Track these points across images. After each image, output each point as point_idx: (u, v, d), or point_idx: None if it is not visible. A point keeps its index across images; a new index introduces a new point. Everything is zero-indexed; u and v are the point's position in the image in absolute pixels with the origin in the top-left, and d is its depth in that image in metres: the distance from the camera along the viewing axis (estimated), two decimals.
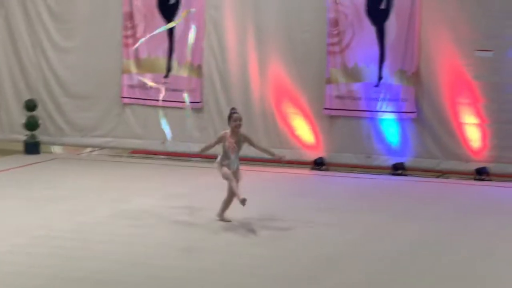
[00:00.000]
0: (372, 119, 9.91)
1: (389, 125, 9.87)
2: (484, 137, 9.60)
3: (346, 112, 9.99)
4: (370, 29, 9.75)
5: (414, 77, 9.67)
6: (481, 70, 9.48)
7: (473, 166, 9.56)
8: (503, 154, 9.52)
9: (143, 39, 8.84)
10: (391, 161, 9.79)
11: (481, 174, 9.46)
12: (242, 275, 5.55)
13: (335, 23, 9.74)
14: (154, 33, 9.00)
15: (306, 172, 9.97)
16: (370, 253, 6.22)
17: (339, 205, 8.10)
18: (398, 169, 9.59)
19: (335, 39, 9.77)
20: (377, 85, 9.80)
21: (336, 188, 9.12)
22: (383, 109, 9.82)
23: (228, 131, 7.10)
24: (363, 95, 9.83)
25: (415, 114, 9.69)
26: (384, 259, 6.05)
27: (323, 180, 9.54)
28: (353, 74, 9.85)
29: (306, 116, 10.09)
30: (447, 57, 9.59)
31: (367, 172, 9.88)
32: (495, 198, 8.84)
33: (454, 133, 9.67)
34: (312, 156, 10.11)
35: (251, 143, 7.17)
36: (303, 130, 10.16)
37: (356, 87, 9.79)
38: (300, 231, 6.90)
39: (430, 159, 9.69)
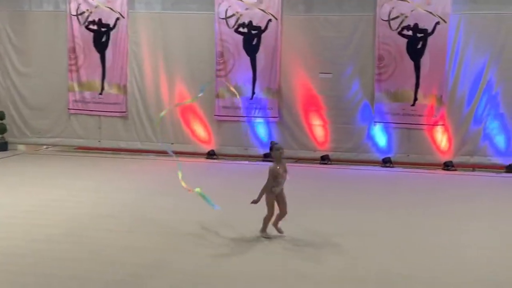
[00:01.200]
0: (249, 122, 13.36)
1: (260, 126, 13.42)
2: (326, 133, 13.17)
3: (230, 117, 13.38)
4: (246, 59, 13.23)
5: (277, 92, 13.14)
6: (323, 87, 12.97)
7: (319, 154, 13.12)
8: (339, 145, 13.06)
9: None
10: (262, 151, 13.23)
11: (324, 159, 13.10)
12: None
13: (221, 54, 13.36)
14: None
15: (202, 160, 13.39)
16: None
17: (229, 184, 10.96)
18: (267, 157, 13.28)
19: (221, 66, 13.39)
20: (251, 99, 13.25)
21: (224, 172, 12.38)
22: (256, 115, 13.32)
23: (274, 164, 7.21)
24: (242, 106, 13.25)
25: (278, 118, 13.15)
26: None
27: (214, 166, 12.87)
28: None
29: (201, 121, 13.68)
30: (299, 78, 13.04)
31: (246, 160, 13.22)
32: (335, 177, 11.99)
33: (306, 131, 13.19)
34: (206, 148, 13.65)
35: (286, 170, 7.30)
36: (200, 130, 13.70)
37: (237, 100, 13.30)
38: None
39: (289, 150, 12.64)
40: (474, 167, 12.67)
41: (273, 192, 7.15)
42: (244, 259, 6.76)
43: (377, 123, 12.93)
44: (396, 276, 6.31)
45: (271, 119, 13.28)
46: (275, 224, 7.40)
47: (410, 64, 12.65)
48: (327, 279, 6.18)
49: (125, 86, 13.78)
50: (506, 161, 12.46)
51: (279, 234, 7.39)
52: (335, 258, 6.87)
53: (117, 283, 5.96)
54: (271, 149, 7.35)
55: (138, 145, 13.88)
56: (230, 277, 6.20)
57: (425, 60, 12.59)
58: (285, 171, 7.22)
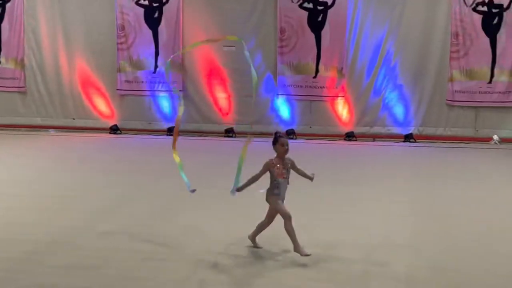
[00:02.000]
0: (152, 96, 13.37)
1: (164, 100, 13.40)
2: (230, 105, 13.28)
3: (133, 92, 13.36)
4: (148, 32, 13.14)
5: (181, 66, 13.18)
6: (227, 60, 13.03)
7: (224, 127, 13.17)
8: (243, 118, 13.08)
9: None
10: (166, 125, 13.20)
11: (229, 132, 13.17)
12: None
13: (121, 27, 13.17)
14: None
15: (105, 135, 13.18)
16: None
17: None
18: (171, 131, 13.21)
19: (123, 39, 13.22)
20: (154, 72, 13.21)
21: (126, 147, 12.23)
22: (159, 89, 13.28)
23: (273, 158, 5.93)
24: (145, 80, 13.27)
25: (182, 92, 13.03)
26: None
27: (117, 141, 12.68)
28: (137, 65, 13.32)
29: (103, 95, 13.49)
30: (203, 51, 12.99)
31: (149, 134, 13.18)
32: (239, 150, 12.35)
33: (210, 104, 13.29)
34: (108, 123, 13.48)
35: (294, 167, 6.02)
36: (101, 105, 13.52)
37: (139, 74, 13.20)
38: None
39: (194, 123, 13.09)
40: (374, 137, 13.00)
41: (276, 196, 5.88)
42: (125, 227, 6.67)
43: (280, 95, 13.06)
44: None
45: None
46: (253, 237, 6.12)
47: (312, 36, 12.83)
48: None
49: (22, 61, 13.36)
50: (404, 131, 12.85)
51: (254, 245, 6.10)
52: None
53: (13, 260, 5.65)
54: (275, 141, 5.94)
55: (38, 121, 13.52)
56: (116, 250, 6.03)
57: (325, 33, 12.79)
58: (287, 169, 5.94)
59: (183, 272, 5.29)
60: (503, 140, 12.42)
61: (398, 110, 12.89)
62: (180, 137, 11.78)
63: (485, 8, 12.37)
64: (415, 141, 12.64)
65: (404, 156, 11.49)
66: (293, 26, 12.82)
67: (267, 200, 5.95)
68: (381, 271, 5.37)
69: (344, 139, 12.88)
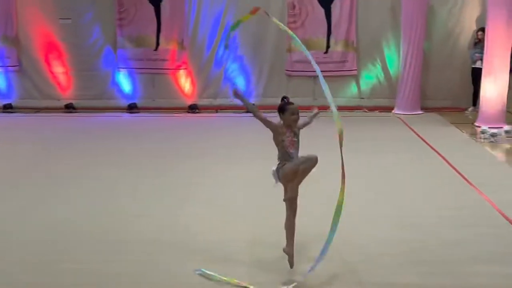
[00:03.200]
0: None
1: None
2: (69, 81, 13.11)
3: None
4: None
5: (15, 40, 12.85)
6: (63, 34, 12.86)
7: (64, 103, 12.98)
8: (84, 93, 13.06)
9: None
10: (1, 103, 12.93)
11: (68, 108, 12.91)
12: None
13: None
14: None
15: None
16: None
17: None
18: (7, 108, 12.86)
19: None
20: None
21: None
22: None
23: (279, 124, 5.29)
24: None
25: (17, 67, 12.90)
26: None
27: None
28: None
29: None
30: (39, 25, 12.83)
31: None
32: (81, 125, 11.78)
33: (49, 79, 13.05)
34: None
35: (306, 124, 5.52)
36: None
37: None
38: None
39: (32, 99, 12.97)
40: (217, 109, 13.19)
41: (292, 169, 5.18)
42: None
43: (121, 69, 13.04)
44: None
45: (10, 68, 12.99)
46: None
47: (151, 8, 12.90)
48: None
49: None
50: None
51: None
52: None
53: None
54: (283, 109, 5.32)
55: None
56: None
57: (164, 5, 12.87)
58: (297, 139, 5.35)
59: None
60: (339, 108, 12.87)
61: (240, 81, 13.13)
62: (17, 114, 11.63)
63: None
64: None
65: (245, 125, 11.78)
66: None
67: (280, 180, 5.26)
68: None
69: (188, 112, 12.98)
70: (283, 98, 5.47)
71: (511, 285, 5.21)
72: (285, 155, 5.27)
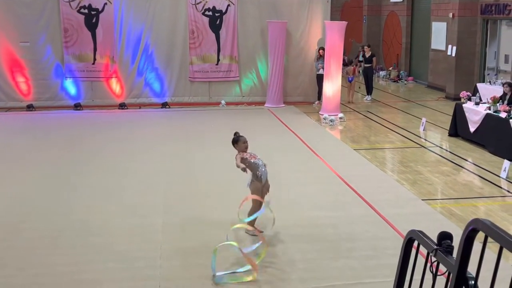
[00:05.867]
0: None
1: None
2: (29, 88, 17.37)
3: None
4: None
5: None
6: (24, 53, 17.02)
7: (25, 104, 17.17)
8: (40, 96, 17.26)
9: None
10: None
11: (29, 107, 17.27)
12: None
13: None
14: None
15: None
16: None
17: None
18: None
19: None
20: None
21: None
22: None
23: (238, 154, 6.98)
24: None
25: None
26: None
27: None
28: None
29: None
30: (4, 46, 17.00)
31: None
32: (39, 121, 16.07)
33: (13, 87, 17.21)
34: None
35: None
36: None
37: None
38: None
39: (1, 101, 17.15)
40: (140, 105, 17.99)
41: (258, 181, 6.91)
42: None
43: (68, 78, 17.52)
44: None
45: None
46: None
47: (88, 34, 17.40)
48: None
49: None
50: (161, 100, 18.00)
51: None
52: None
53: None
54: (236, 141, 7.02)
55: None
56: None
57: (99, 31, 17.44)
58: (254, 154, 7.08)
59: None
60: (227, 104, 18.15)
61: (156, 86, 18.02)
62: None
63: (210, 13, 17.88)
64: (169, 107, 17.87)
65: (161, 118, 16.61)
66: (74, 25, 17.26)
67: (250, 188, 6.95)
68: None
69: (118, 108, 17.70)
70: (235, 133, 7.09)
71: None
72: (254, 168, 6.85)
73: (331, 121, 15.00)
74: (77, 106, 17.40)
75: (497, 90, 14.05)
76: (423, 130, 14.20)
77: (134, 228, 7.66)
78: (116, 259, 6.70)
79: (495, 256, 2.47)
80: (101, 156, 11.78)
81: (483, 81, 17.65)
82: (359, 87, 20.36)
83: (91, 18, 17.39)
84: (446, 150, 12.36)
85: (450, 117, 13.91)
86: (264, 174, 6.94)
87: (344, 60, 17.92)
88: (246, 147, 6.97)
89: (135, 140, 13.19)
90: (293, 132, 13.85)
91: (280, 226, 7.57)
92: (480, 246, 2.58)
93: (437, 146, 12.80)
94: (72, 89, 17.66)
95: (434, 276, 2.97)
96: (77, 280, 6.17)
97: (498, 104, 12.29)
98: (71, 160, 11.44)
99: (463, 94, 13.74)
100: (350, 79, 18.44)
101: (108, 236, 7.40)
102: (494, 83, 16.25)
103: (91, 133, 14.13)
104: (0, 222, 7.95)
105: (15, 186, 9.69)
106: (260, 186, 6.91)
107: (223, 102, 18.05)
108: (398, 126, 14.74)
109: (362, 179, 9.84)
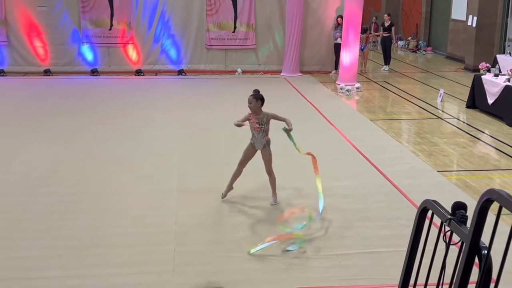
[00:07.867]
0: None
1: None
2: (46, 53, 17.49)
3: None
4: None
5: (4, 22, 17.12)
6: (41, 18, 17.11)
7: (43, 69, 17.29)
8: (57, 61, 17.39)
9: None
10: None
11: (46, 72, 17.39)
12: None
13: None
14: None
15: None
16: None
17: None
18: (0, 73, 17.20)
19: None
20: None
21: None
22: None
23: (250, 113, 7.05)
24: None
25: (7, 42, 17.19)
26: None
27: None
28: None
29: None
30: (22, 11, 17.06)
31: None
32: (56, 85, 16.18)
33: (31, 51, 17.30)
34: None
35: (277, 118, 7.03)
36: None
37: None
38: None
39: (19, 66, 17.22)
40: (156, 72, 18.01)
41: (250, 144, 7.12)
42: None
43: (85, 43, 17.54)
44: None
45: (1, 43, 17.11)
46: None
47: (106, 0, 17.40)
48: None
49: None
50: (177, 68, 18.00)
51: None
52: None
53: None
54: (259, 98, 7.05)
55: None
56: None
57: None
58: (261, 123, 6.95)
59: None
60: (243, 72, 18.10)
61: (172, 53, 17.99)
62: (7, 77, 16.07)
63: None
64: (185, 74, 17.86)
65: (177, 85, 16.65)
66: None
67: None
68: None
69: (135, 75, 17.73)
70: (254, 90, 7.18)
71: None
72: (252, 134, 7.05)
73: (347, 91, 14.90)
74: (94, 72, 17.46)
75: None
76: (441, 101, 14.09)
77: (149, 194, 7.73)
78: (131, 224, 6.78)
79: (509, 228, 2.46)
80: (117, 122, 11.84)
81: (503, 53, 17.38)
82: (371, 56, 19.98)
83: None
84: (463, 122, 12.27)
85: (469, 89, 13.78)
86: (257, 143, 7.10)
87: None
88: (249, 107, 7.04)
89: (152, 107, 13.24)
90: (309, 101, 13.82)
91: (294, 195, 7.61)
92: (494, 218, 2.57)
93: (454, 117, 12.71)
94: (89, 55, 17.69)
95: (447, 246, 2.98)
96: (92, 245, 6.26)
97: None
98: (87, 126, 11.49)
99: (482, 65, 13.59)
100: (362, 47, 18.10)
101: (124, 202, 7.48)
102: None
103: (108, 100, 14.19)
104: (19, 186, 8.07)
105: (32, 151, 9.79)
106: (250, 148, 7.17)
107: (239, 70, 18.00)
108: (415, 97, 14.65)
109: (378, 150, 9.83)
